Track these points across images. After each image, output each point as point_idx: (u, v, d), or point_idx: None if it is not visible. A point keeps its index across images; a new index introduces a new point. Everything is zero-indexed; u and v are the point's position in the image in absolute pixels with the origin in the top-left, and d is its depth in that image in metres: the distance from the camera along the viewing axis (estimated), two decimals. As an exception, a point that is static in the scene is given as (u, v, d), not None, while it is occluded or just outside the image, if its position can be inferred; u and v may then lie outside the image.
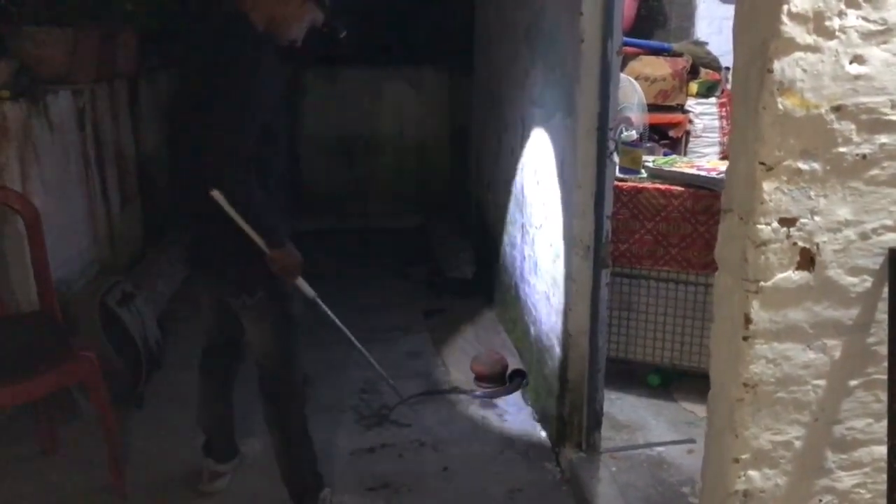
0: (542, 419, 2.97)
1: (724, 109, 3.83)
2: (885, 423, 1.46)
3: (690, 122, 3.82)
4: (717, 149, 3.84)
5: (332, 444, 2.81)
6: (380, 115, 5.90)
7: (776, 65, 1.33)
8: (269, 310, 2.21)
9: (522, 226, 3.36)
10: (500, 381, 3.26)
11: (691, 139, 3.84)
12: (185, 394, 3.12)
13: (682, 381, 3.18)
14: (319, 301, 2.37)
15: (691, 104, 3.82)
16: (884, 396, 1.48)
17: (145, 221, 4.29)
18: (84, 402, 2.74)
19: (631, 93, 3.35)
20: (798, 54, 1.34)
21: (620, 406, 3.07)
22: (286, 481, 2.36)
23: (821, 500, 1.55)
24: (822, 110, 1.37)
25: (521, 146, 3.35)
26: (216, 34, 2.18)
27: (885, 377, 1.46)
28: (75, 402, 2.81)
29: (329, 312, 2.46)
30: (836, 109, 1.37)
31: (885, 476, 1.46)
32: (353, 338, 2.62)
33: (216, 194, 2.02)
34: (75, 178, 3.35)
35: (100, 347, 2.78)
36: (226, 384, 2.48)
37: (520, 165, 3.39)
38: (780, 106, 1.35)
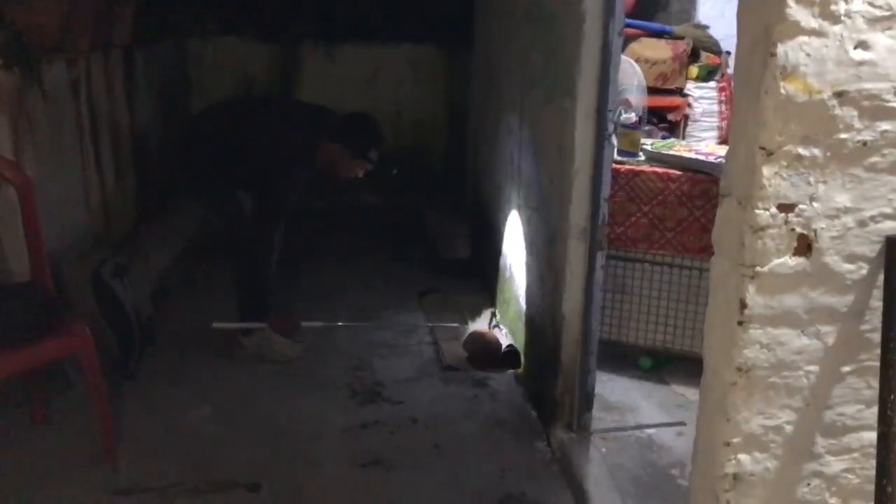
0: (534, 399, 2.99)
1: (723, 94, 3.82)
2: (875, 409, 1.46)
3: (689, 105, 3.81)
4: (715, 133, 3.84)
5: (325, 420, 2.82)
6: (377, 94, 5.85)
7: (780, 49, 1.32)
8: None
9: (519, 207, 3.35)
10: (493, 360, 3.27)
11: (690, 123, 3.83)
12: (177, 370, 3.13)
13: (673, 364, 3.20)
14: (330, 324, 3.34)
15: (691, 88, 3.81)
16: (875, 383, 1.48)
17: (139, 195, 4.26)
18: (76, 373, 2.73)
19: (631, 75, 3.33)
20: (802, 38, 1.32)
21: (612, 388, 3.09)
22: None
23: (809, 484, 1.56)
24: (825, 96, 1.36)
25: (520, 126, 3.34)
26: (298, 131, 3.19)
27: (877, 364, 1.46)
28: (67, 373, 2.81)
29: (340, 324, 3.36)
30: (839, 95, 1.36)
31: (873, 462, 1.47)
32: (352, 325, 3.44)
33: (217, 325, 3.19)
34: (69, 149, 3.32)
35: (92, 319, 2.77)
36: None
37: (517, 146, 3.37)
38: (783, 90, 1.34)
